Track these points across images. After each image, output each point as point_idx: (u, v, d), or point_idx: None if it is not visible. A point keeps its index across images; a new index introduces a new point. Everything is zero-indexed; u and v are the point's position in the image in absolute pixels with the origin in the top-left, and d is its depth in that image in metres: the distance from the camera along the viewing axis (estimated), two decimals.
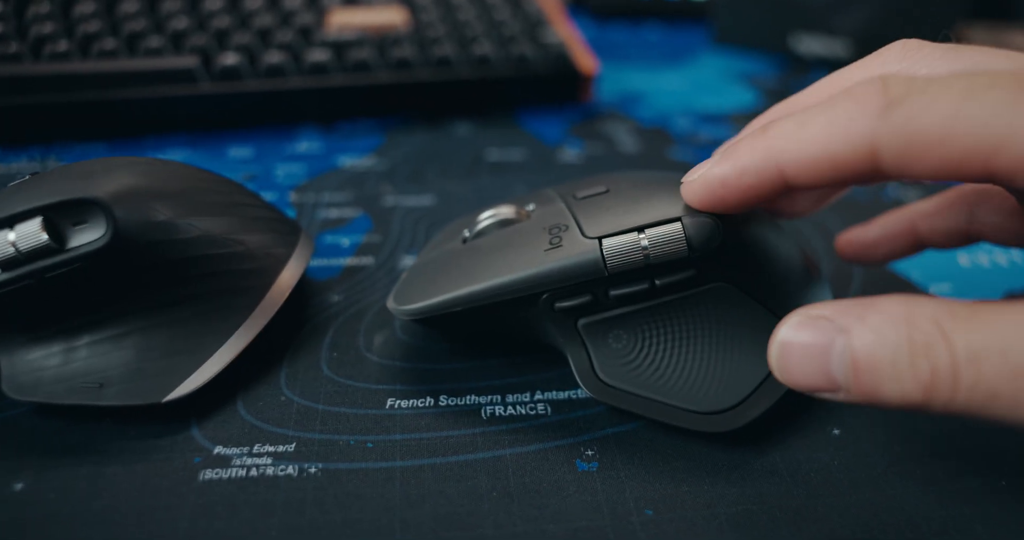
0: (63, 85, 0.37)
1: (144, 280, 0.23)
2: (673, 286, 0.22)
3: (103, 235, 0.22)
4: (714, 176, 0.19)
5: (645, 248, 0.21)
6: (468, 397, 0.24)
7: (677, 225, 0.21)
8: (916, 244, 0.26)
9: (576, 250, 0.21)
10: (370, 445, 0.22)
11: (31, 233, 0.21)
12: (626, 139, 0.43)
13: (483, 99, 0.45)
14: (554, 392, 0.25)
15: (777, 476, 0.22)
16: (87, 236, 0.22)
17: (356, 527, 0.20)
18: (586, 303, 0.22)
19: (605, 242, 0.21)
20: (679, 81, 0.52)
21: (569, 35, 0.47)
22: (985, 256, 0.33)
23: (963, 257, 0.33)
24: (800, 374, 0.17)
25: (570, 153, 0.41)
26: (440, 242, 0.27)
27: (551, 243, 0.22)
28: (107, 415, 0.23)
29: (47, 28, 0.38)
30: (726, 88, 0.51)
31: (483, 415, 0.24)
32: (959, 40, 0.20)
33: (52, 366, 0.23)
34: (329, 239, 0.33)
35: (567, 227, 0.22)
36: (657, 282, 0.22)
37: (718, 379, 0.22)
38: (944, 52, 0.19)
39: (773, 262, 0.23)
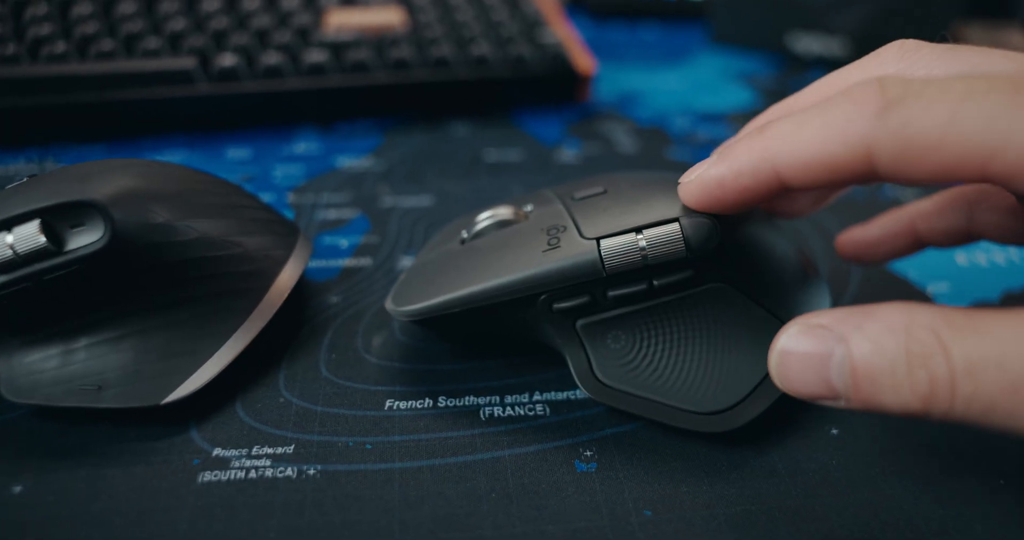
0: (61, 86, 0.37)
1: (142, 282, 0.23)
2: (671, 287, 0.22)
3: (101, 237, 0.22)
4: (711, 177, 0.19)
5: (643, 249, 0.21)
6: (467, 398, 0.24)
7: (675, 226, 0.21)
8: (916, 243, 0.26)
9: (574, 251, 0.21)
10: (369, 446, 0.22)
11: (29, 236, 0.21)
12: (624, 139, 0.43)
13: (481, 99, 0.45)
14: (553, 393, 0.25)
15: (776, 476, 0.22)
16: (85, 238, 0.22)
17: (355, 528, 0.20)
18: (584, 304, 0.22)
19: (603, 243, 0.21)
20: (677, 81, 0.52)
21: (567, 35, 0.47)
22: (983, 255, 0.33)
23: (961, 256, 0.33)
24: (800, 382, 0.17)
25: (568, 153, 0.41)
26: (438, 243, 0.27)
27: (549, 244, 0.22)
28: (106, 417, 0.23)
29: (45, 29, 0.38)
30: (724, 88, 0.51)
31: (482, 416, 0.24)
32: (956, 40, 0.20)
33: (50, 368, 0.23)
34: (327, 240, 0.33)
35: (565, 228, 0.22)
36: (655, 283, 0.22)
37: (716, 379, 0.22)
38: (942, 53, 0.19)
39: (771, 262, 0.23)
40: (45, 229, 0.21)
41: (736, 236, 0.22)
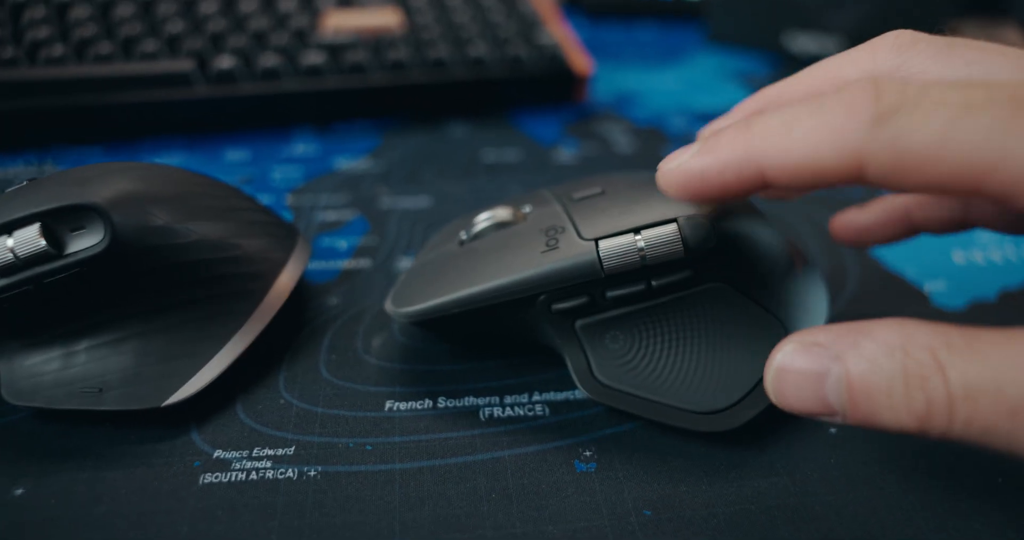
0: (59, 89, 0.37)
1: (142, 285, 0.23)
2: (669, 287, 0.22)
3: (101, 240, 0.22)
4: (693, 168, 0.18)
5: (641, 249, 0.21)
6: (466, 399, 0.24)
7: (673, 226, 0.21)
8: (910, 229, 0.26)
9: (572, 252, 0.21)
10: (369, 447, 0.23)
11: (29, 239, 0.21)
12: (621, 139, 0.43)
13: (478, 100, 0.45)
14: (552, 393, 0.25)
15: (775, 475, 0.22)
16: (85, 242, 0.22)
17: (356, 529, 0.20)
18: (583, 304, 0.22)
19: (601, 244, 0.21)
20: (673, 80, 0.52)
21: (564, 36, 0.47)
22: (979, 253, 0.33)
23: (958, 255, 0.33)
24: (795, 399, 0.17)
25: (565, 153, 0.41)
26: (437, 244, 0.27)
27: (548, 245, 0.22)
28: (107, 420, 0.23)
29: (43, 33, 0.38)
30: (720, 87, 0.51)
31: (481, 417, 0.24)
32: (952, 34, 0.20)
33: (51, 371, 0.23)
34: (326, 241, 0.33)
35: (563, 229, 0.22)
36: (653, 283, 0.22)
37: (715, 379, 0.22)
38: (938, 49, 0.19)
39: (769, 262, 0.23)
40: (45, 232, 0.21)
41: (734, 236, 0.22)
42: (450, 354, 0.26)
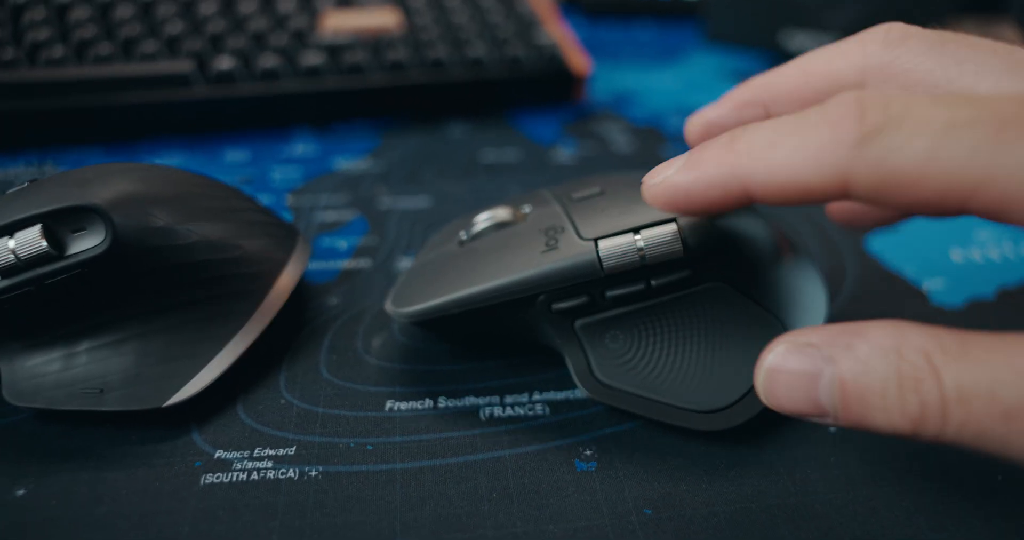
0: (59, 90, 0.37)
1: (143, 286, 0.23)
2: (669, 286, 0.22)
3: (102, 241, 0.22)
4: (677, 184, 0.18)
5: (641, 249, 0.21)
6: (467, 398, 0.25)
7: (672, 226, 0.21)
8: (905, 213, 0.26)
9: (572, 252, 0.21)
10: (370, 447, 0.23)
11: (31, 240, 0.21)
12: (619, 139, 0.43)
13: (477, 100, 0.45)
14: (552, 393, 0.25)
15: (775, 474, 0.22)
16: (86, 243, 0.22)
17: (357, 529, 0.20)
18: (583, 304, 0.22)
19: (601, 243, 0.21)
20: (672, 80, 0.52)
21: (562, 36, 0.47)
22: (978, 251, 0.33)
23: (956, 253, 0.33)
24: (787, 400, 0.17)
25: (564, 153, 0.41)
26: (437, 244, 0.27)
27: (547, 245, 0.22)
28: (107, 420, 0.23)
29: (42, 34, 0.38)
30: (718, 86, 0.51)
31: (482, 416, 0.24)
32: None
33: (52, 372, 0.23)
34: (326, 242, 0.33)
35: (563, 229, 0.23)
36: (653, 283, 0.22)
37: (715, 378, 0.22)
38: (929, 45, 0.19)
39: (768, 261, 0.23)
40: (47, 234, 0.21)
41: (733, 236, 0.22)
42: (450, 354, 0.26)
